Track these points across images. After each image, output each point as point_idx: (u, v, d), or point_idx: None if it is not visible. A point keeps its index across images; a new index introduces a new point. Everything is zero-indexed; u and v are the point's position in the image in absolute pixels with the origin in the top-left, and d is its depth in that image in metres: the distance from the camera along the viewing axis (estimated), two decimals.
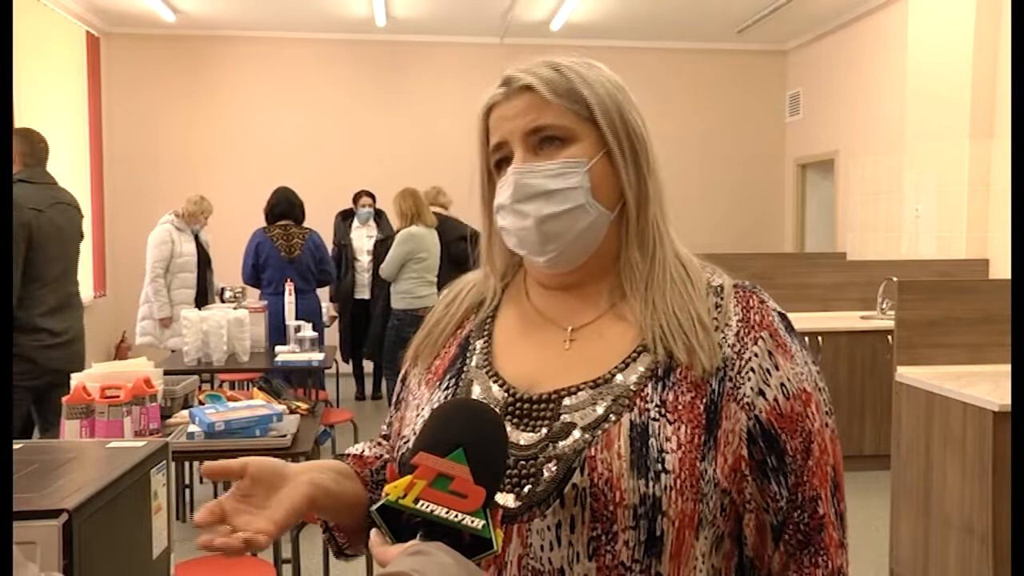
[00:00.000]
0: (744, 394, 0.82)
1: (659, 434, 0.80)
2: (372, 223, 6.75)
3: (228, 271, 6.79)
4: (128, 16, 7.67)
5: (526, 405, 0.86)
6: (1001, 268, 5.28)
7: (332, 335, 6.61)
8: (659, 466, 0.78)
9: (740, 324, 0.86)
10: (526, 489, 0.81)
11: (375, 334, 6.00)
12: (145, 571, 1.44)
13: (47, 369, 3.38)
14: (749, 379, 0.83)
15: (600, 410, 0.83)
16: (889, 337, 4.56)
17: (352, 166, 8.14)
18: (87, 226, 7.52)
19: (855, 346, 5.03)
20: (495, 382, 0.89)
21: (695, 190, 8.56)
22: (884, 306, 5.25)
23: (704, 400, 0.82)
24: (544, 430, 0.84)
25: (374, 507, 0.72)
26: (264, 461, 0.85)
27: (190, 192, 7.94)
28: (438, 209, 5.90)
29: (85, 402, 2.44)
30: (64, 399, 2.46)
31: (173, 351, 5.25)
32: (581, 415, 0.83)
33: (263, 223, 5.40)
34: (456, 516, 0.69)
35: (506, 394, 0.88)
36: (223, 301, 5.47)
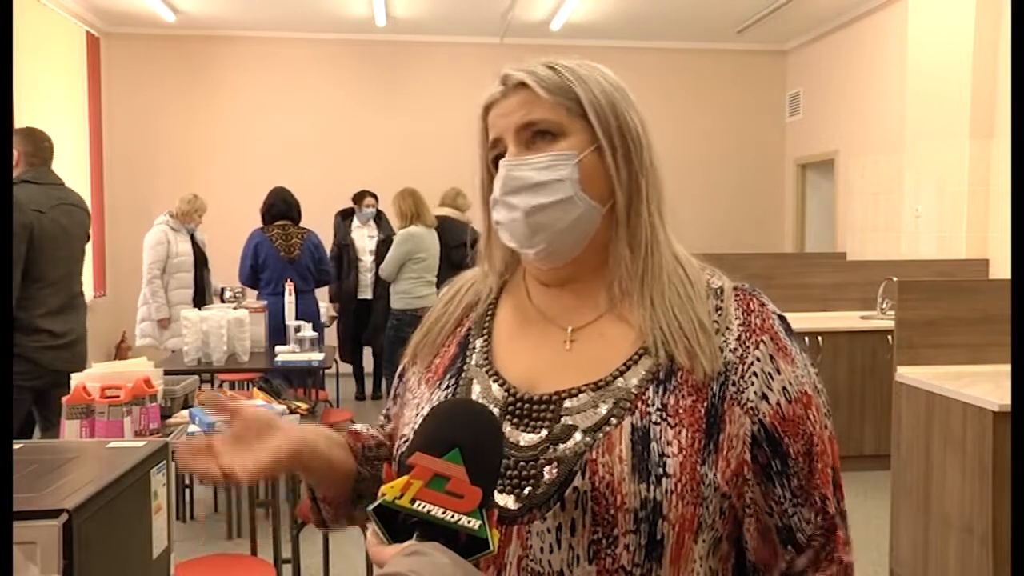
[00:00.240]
0: (748, 398, 0.83)
1: (660, 438, 0.80)
2: (372, 223, 6.76)
3: (229, 271, 6.80)
4: (128, 16, 7.67)
5: (526, 405, 0.86)
6: (1001, 268, 5.28)
7: (332, 335, 6.61)
8: (660, 470, 0.78)
9: (741, 328, 0.86)
10: (526, 491, 0.81)
11: (375, 324, 6.01)
12: (145, 571, 1.44)
13: (48, 370, 3.37)
14: (752, 383, 0.83)
15: (601, 413, 0.83)
16: (889, 337, 4.56)
17: (352, 166, 8.15)
18: None
19: (855, 346, 5.03)
20: (495, 381, 0.89)
21: (695, 190, 8.56)
22: (884, 306, 5.25)
23: (705, 404, 0.82)
24: (544, 431, 0.84)
25: (371, 507, 0.72)
26: (257, 409, 0.88)
27: (190, 192, 7.98)
28: (454, 212, 5.87)
29: (85, 402, 2.45)
30: (64, 399, 2.47)
31: (173, 351, 5.25)
32: (582, 418, 0.83)
33: (261, 223, 5.40)
34: (452, 516, 0.69)
35: (506, 393, 0.88)
36: (223, 301, 5.48)
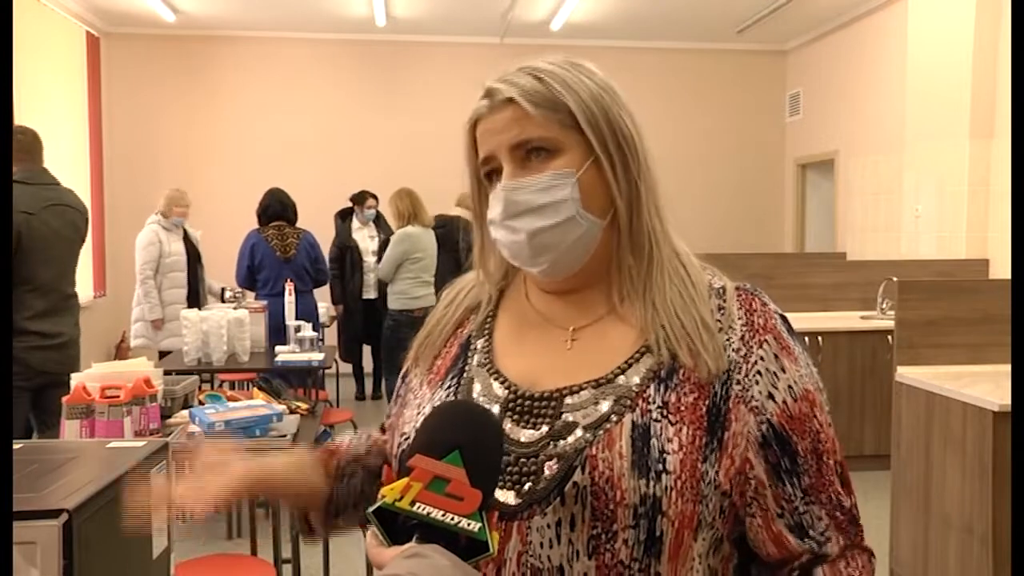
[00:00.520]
0: (753, 397, 0.83)
1: (661, 435, 0.80)
2: (372, 224, 6.77)
3: (229, 271, 6.80)
4: (128, 16, 7.67)
5: (527, 402, 0.86)
6: (1001, 268, 5.28)
7: (332, 335, 6.61)
8: (660, 466, 0.79)
9: (744, 327, 0.86)
10: (526, 487, 0.81)
11: (381, 324, 6.02)
12: (145, 571, 1.44)
13: (38, 371, 3.34)
14: (757, 382, 0.84)
15: (602, 409, 0.83)
16: (889, 337, 4.56)
17: (352, 166, 8.15)
18: None
19: (855, 346, 5.03)
20: (496, 379, 0.90)
21: (695, 190, 8.56)
22: (884, 306, 5.25)
23: (707, 402, 0.82)
24: (545, 428, 0.84)
25: (370, 509, 0.72)
26: (217, 446, 0.91)
27: (190, 192, 7.95)
28: (470, 214, 5.87)
29: (85, 402, 2.45)
30: (64, 399, 2.47)
31: (164, 353, 5.22)
32: (583, 414, 0.83)
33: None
34: (452, 519, 0.69)
35: (507, 391, 0.88)
36: (223, 301, 5.48)
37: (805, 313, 5.32)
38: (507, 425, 0.85)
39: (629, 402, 0.82)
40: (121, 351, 7.78)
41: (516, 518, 0.80)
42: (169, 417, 2.85)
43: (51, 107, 6.86)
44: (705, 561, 0.82)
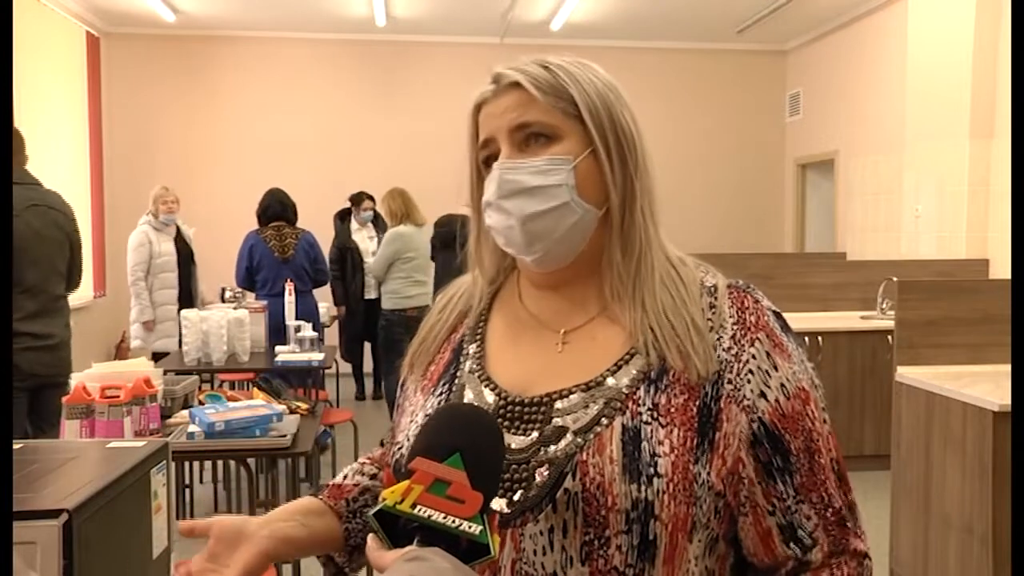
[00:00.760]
0: (744, 396, 0.82)
1: (651, 438, 0.80)
2: (371, 224, 6.78)
3: (229, 271, 6.79)
4: (128, 16, 7.67)
5: (517, 408, 0.86)
6: (1001, 268, 5.28)
7: (332, 335, 6.61)
8: (651, 470, 0.78)
9: (736, 326, 0.85)
10: (518, 494, 0.81)
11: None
12: (145, 571, 1.44)
13: (29, 373, 3.31)
14: (749, 381, 0.83)
15: (592, 413, 0.82)
16: (889, 337, 4.56)
17: (352, 166, 8.15)
18: (86, 227, 7.50)
19: (855, 346, 5.03)
20: (487, 386, 0.89)
21: (695, 190, 8.56)
22: (884, 306, 5.25)
23: (697, 403, 0.82)
24: (535, 433, 0.83)
25: (371, 512, 0.72)
26: (226, 521, 0.88)
27: (189, 192, 7.96)
28: None
29: (85, 402, 2.44)
30: (64, 399, 2.46)
31: (158, 355, 5.20)
32: (573, 418, 0.83)
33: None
34: (453, 521, 0.69)
35: (498, 398, 0.87)
36: (223, 301, 5.47)
37: (805, 313, 5.32)
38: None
39: (619, 405, 0.82)
40: (121, 351, 7.78)
41: (509, 525, 0.80)
42: (169, 417, 2.85)
43: (51, 107, 6.86)
44: (701, 563, 0.81)
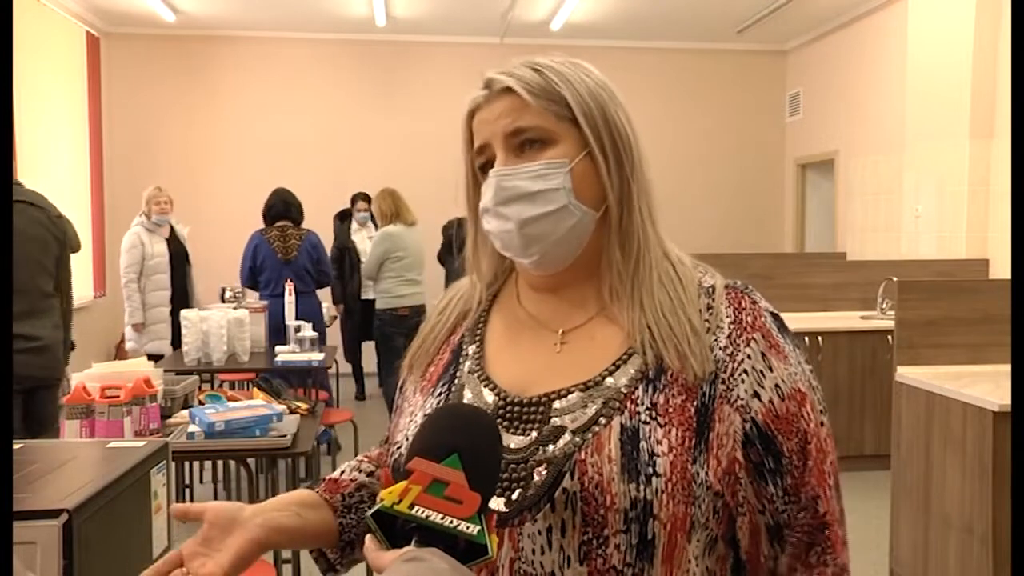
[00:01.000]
0: (738, 396, 0.82)
1: (650, 437, 0.80)
2: (370, 224, 6.79)
3: (229, 271, 6.79)
4: (128, 16, 7.67)
5: (516, 408, 0.86)
6: (1001, 268, 5.28)
7: (333, 335, 6.61)
8: (650, 469, 0.78)
9: (732, 326, 0.85)
10: (516, 493, 0.81)
11: None
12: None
13: (18, 376, 3.25)
14: (743, 381, 0.83)
15: (590, 413, 0.82)
16: (889, 337, 4.56)
17: (352, 166, 8.15)
18: (86, 227, 7.50)
19: (855, 346, 5.03)
20: (486, 386, 0.89)
21: (695, 190, 8.57)
22: (884, 306, 5.25)
23: (695, 403, 0.82)
24: (534, 433, 0.83)
25: (369, 512, 0.72)
26: (221, 507, 0.89)
27: (189, 192, 7.97)
28: None
29: (85, 402, 2.45)
30: (64, 399, 2.46)
31: (152, 357, 5.18)
32: (571, 418, 0.83)
33: (262, 222, 5.40)
34: (451, 522, 0.69)
35: (497, 398, 0.87)
36: (223, 301, 5.47)
37: (805, 313, 5.33)
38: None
39: (617, 404, 0.82)
40: (121, 351, 7.77)
41: (507, 525, 0.80)
42: (169, 417, 2.85)
43: (51, 107, 6.86)
44: (701, 563, 0.81)
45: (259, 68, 8.28)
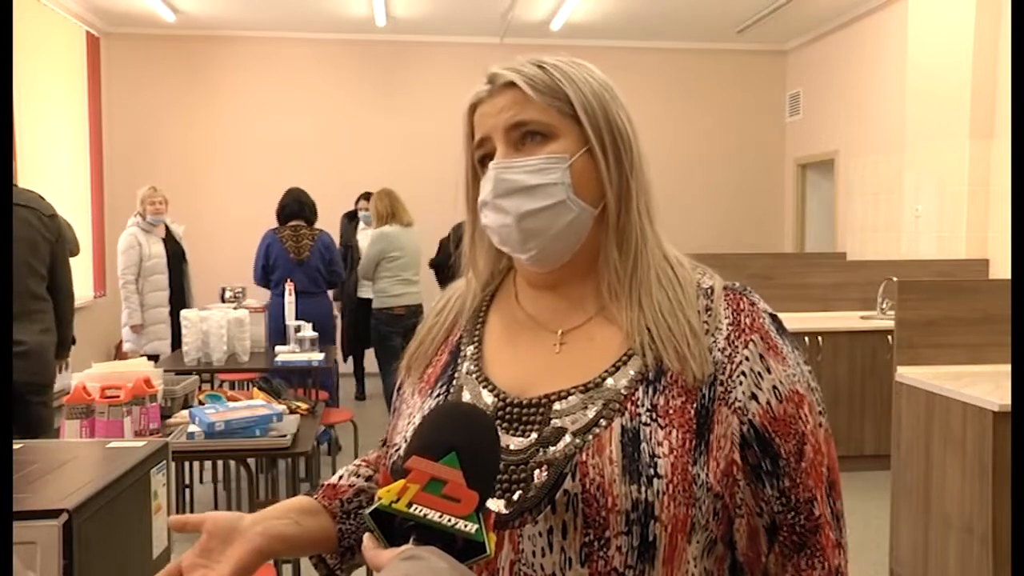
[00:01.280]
0: (736, 398, 0.82)
1: (651, 439, 0.79)
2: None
3: (229, 271, 6.79)
4: (128, 16, 7.67)
5: (516, 410, 0.85)
6: (1001, 268, 5.28)
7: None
8: (651, 471, 0.78)
9: (731, 328, 0.85)
10: (517, 495, 0.81)
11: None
12: (145, 571, 1.44)
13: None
14: (741, 383, 0.82)
15: (591, 414, 0.82)
16: (889, 337, 4.56)
17: (352, 166, 8.15)
18: (86, 227, 7.50)
19: (855, 346, 5.03)
20: (485, 387, 0.89)
21: (695, 190, 8.57)
22: (884, 306, 5.25)
23: (695, 404, 0.82)
24: (534, 435, 0.83)
25: (367, 511, 0.72)
26: (220, 517, 0.89)
27: (190, 192, 7.98)
28: None
29: (85, 402, 2.45)
30: (64, 399, 2.47)
31: (150, 358, 5.18)
32: (571, 420, 0.82)
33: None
34: (449, 520, 0.69)
35: (496, 399, 0.87)
36: (223, 301, 5.47)
37: (805, 313, 5.33)
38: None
39: (618, 406, 0.82)
40: (121, 351, 7.77)
41: (507, 526, 0.80)
42: (169, 417, 2.85)
43: (51, 107, 6.86)
44: (700, 564, 0.81)
45: (259, 68, 8.28)
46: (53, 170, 6.80)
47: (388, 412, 1.13)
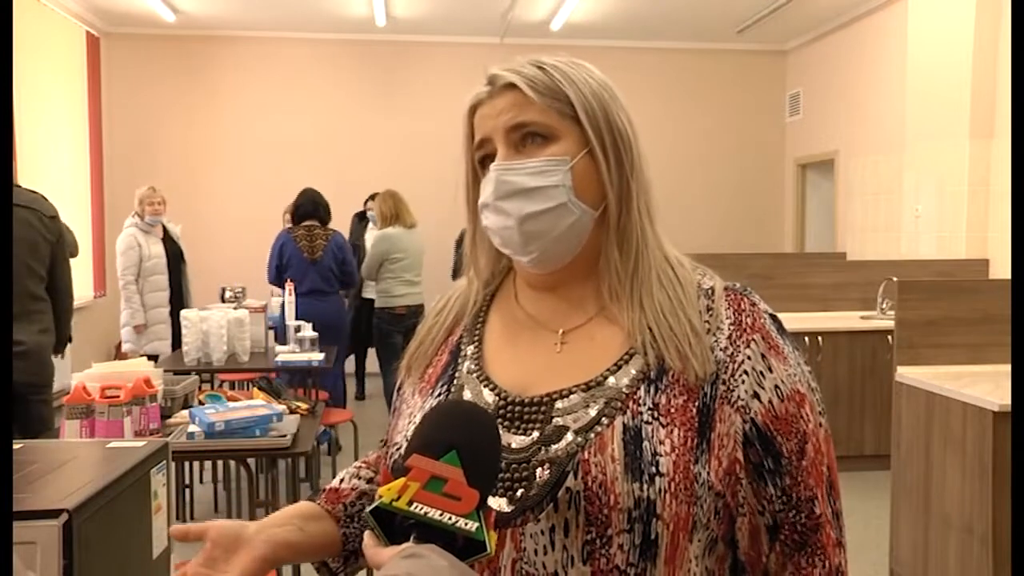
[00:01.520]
0: (738, 397, 0.82)
1: (652, 437, 0.80)
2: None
3: (229, 271, 6.80)
4: (128, 16, 7.67)
5: (517, 408, 0.86)
6: (1001, 268, 5.28)
7: None
8: (653, 469, 0.78)
9: (732, 327, 0.86)
10: (519, 493, 0.81)
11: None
12: (145, 571, 1.44)
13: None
14: (743, 382, 0.83)
15: (592, 413, 0.82)
16: (889, 337, 4.56)
17: (352, 166, 8.15)
18: (85, 227, 7.50)
19: (855, 346, 5.03)
20: (486, 386, 0.89)
21: (695, 190, 8.57)
22: (884, 306, 5.25)
23: (696, 403, 0.82)
24: (536, 433, 0.83)
25: (367, 509, 0.72)
26: (224, 526, 0.89)
27: (190, 192, 7.98)
28: None
29: (85, 402, 2.44)
30: (64, 399, 2.46)
31: (150, 358, 5.18)
32: (573, 418, 0.83)
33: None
34: (450, 518, 0.69)
35: (497, 398, 0.87)
36: (223, 301, 5.47)
37: (805, 313, 5.33)
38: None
39: (619, 404, 0.82)
40: (121, 351, 7.77)
41: (509, 525, 0.80)
42: (169, 417, 2.85)
43: (51, 107, 6.86)
44: (701, 563, 0.81)
45: (259, 68, 8.28)
46: (53, 170, 6.80)
47: (388, 412, 1.13)
